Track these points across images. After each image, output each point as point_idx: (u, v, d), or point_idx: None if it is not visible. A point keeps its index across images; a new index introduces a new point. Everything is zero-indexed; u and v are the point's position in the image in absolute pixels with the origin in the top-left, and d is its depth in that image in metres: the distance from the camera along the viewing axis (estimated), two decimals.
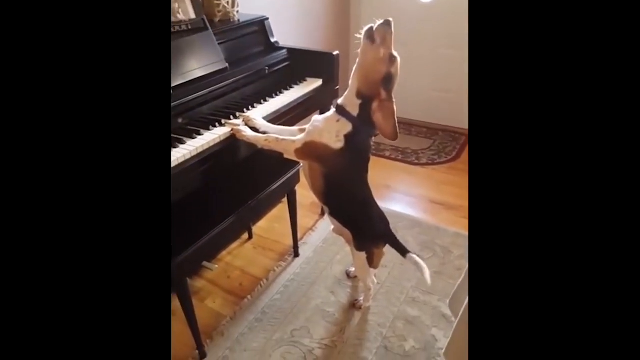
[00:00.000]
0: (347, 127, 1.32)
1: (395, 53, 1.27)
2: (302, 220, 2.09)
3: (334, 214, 1.51)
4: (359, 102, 1.31)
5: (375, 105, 1.29)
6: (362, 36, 1.27)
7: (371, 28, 1.26)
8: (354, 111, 1.32)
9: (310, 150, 1.35)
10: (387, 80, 1.27)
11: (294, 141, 1.38)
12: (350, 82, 1.34)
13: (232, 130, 1.45)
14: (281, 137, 1.42)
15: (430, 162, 2.80)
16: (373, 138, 1.40)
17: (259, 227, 2.19)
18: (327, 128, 1.33)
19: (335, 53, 1.91)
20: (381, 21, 1.24)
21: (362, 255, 1.52)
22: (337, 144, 1.31)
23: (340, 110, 1.33)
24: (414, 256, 1.47)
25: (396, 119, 1.30)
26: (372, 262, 1.54)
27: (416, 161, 2.81)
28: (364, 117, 1.31)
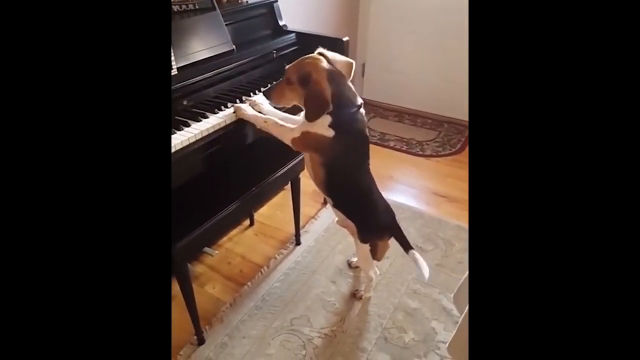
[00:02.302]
0: (326, 118, 1.29)
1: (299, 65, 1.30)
2: (305, 208, 2.07)
3: (337, 206, 1.49)
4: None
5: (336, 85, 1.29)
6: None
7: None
8: None
9: (307, 139, 1.33)
10: (330, 81, 1.27)
11: (292, 129, 1.36)
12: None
13: (233, 107, 1.43)
14: (281, 123, 1.39)
15: (434, 153, 2.77)
16: (367, 122, 1.37)
17: (261, 214, 2.17)
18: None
19: (345, 39, 1.86)
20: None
21: (366, 247, 1.50)
22: (329, 132, 1.30)
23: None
24: (416, 254, 1.46)
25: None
26: (375, 254, 1.53)
27: (420, 152, 2.78)
28: (337, 100, 1.29)
